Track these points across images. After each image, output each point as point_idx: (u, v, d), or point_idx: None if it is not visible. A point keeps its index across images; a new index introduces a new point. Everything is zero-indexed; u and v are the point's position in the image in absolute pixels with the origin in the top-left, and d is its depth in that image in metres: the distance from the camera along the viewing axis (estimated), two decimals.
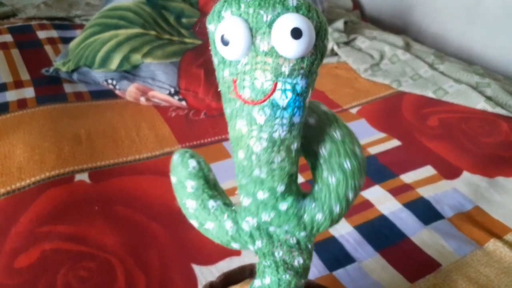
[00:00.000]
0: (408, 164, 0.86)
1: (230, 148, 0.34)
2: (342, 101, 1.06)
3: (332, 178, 0.34)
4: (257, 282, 0.39)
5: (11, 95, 1.01)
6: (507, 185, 0.81)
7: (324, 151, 0.34)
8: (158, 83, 1.00)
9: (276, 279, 0.37)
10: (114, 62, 1.01)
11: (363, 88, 1.12)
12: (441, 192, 0.79)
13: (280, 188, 0.33)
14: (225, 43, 0.29)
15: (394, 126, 0.97)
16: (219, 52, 0.31)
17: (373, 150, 0.89)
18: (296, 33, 0.28)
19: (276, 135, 0.31)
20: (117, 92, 1.04)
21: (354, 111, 1.03)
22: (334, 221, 0.36)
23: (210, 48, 0.33)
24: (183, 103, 1.00)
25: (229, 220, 0.36)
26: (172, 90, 0.99)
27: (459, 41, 1.36)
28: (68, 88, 1.06)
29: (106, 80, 1.03)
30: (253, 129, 0.31)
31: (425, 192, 0.79)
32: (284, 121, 0.31)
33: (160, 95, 1.01)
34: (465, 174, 0.83)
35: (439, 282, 0.63)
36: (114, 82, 1.02)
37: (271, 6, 0.29)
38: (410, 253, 0.68)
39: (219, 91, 0.33)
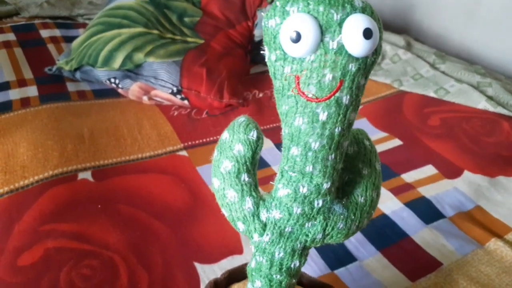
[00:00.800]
0: (409, 163, 0.86)
1: (284, 151, 0.34)
2: None
3: (361, 199, 0.37)
4: (249, 285, 0.39)
5: (14, 94, 1.01)
6: (508, 184, 0.81)
7: (366, 172, 0.37)
8: (160, 82, 1.00)
9: (267, 280, 0.37)
10: (117, 61, 1.02)
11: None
12: (442, 191, 0.79)
13: (327, 185, 0.34)
14: (294, 39, 0.29)
15: (395, 126, 0.97)
16: (282, 48, 0.30)
17: None
18: (368, 33, 0.29)
19: (336, 132, 0.31)
20: (119, 91, 1.05)
21: None
22: (348, 236, 0.37)
23: (262, 44, 0.32)
24: (186, 102, 1.01)
25: (252, 201, 0.35)
26: (175, 89, 1.00)
27: (460, 41, 1.36)
28: (71, 86, 1.07)
29: (109, 79, 1.04)
30: (315, 126, 0.31)
31: (426, 191, 0.79)
32: (345, 118, 0.31)
33: (163, 94, 1.01)
34: (466, 174, 0.84)
35: (440, 281, 0.64)
36: (117, 81, 1.03)
37: (341, 5, 0.29)
38: (411, 252, 0.68)
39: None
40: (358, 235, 0.71)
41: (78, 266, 0.64)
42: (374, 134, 0.95)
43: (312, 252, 0.67)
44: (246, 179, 0.35)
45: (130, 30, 1.05)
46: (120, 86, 1.03)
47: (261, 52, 0.32)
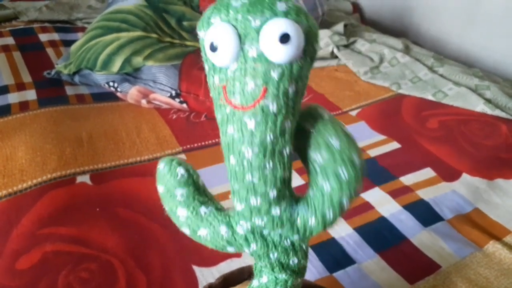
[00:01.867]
0: (407, 166, 0.86)
1: (225, 163, 0.34)
2: (342, 103, 1.07)
3: (326, 185, 0.33)
4: (254, 282, 0.39)
5: (13, 98, 1.01)
6: (507, 187, 0.81)
7: (320, 158, 0.33)
8: (159, 85, 1.00)
9: (273, 277, 0.37)
10: (116, 65, 1.02)
11: (363, 90, 1.12)
12: (441, 194, 0.79)
13: (273, 193, 0.33)
14: (213, 49, 0.30)
15: (394, 129, 0.98)
16: (209, 58, 0.31)
17: (373, 153, 0.90)
18: (284, 38, 0.28)
19: (267, 140, 0.31)
20: (118, 94, 1.05)
21: (354, 113, 1.03)
22: (327, 225, 0.35)
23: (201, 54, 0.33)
24: (184, 105, 1.01)
25: (224, 225, 0.35)
26: (173, 93, 1.00)
27: (458, 44, 1.36)
28: (69, 90, 1.07)
29: (108, 83, 1.04)
30: (244, 135, 0.31)
31: (425, 194, 0.79)
32: (275, 126, 0.30)
33: (161, 98, 1.01)
34: (465, 176, 0.84)
35: (438, 283, 0.64)
36: (116, 85, 1.03)
37: (260, 11, 0.28)
38: (409, 254, 0.68)
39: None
40: (357, 237, 0.71)
41: (76, 270, 0.64)
42: (373, 137, 0.95)
43: (311, 254, 0.67)
44: (206, 211, 0.36)
45: (129, 34, 1.05)
46: (118, 89, 1.03)
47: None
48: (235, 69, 0.30)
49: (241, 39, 0.29)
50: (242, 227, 0.35)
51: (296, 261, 0.37)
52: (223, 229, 0.35)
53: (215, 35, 0.29)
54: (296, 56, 0.29)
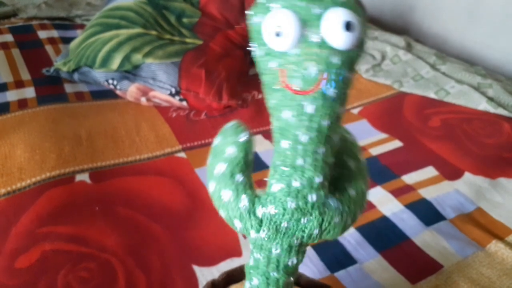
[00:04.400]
0: (409, 165, 0.86)
1: (274, 145, 0.34)
2: None
3: (352, 191, 0.37)
4: (247, 284, 0.39)
5: (11, 95, 1.00)
6: (509, 186, 0.81)
7: (353, 165, 0.37)
8: (159, 83, 1.00)
9: (264, 278, 0.37)
10: (115, 62, 1.01)
11: (364, 88, 1.12)
12: (443, 193, 0.79)
13: (318, 179, 0.34)
14: (277, 34, 0.30)
15: (395, 127, 0.97)
16: (267, 43, 0.31)
17: (374, 151, 0.89)
18: (349, 26, 0.29)
19: (324, 124, 0.32)
20: (117, 92, 1.04)
21: (355, 111, 1.03)
22: (344, 230, 0.37)
23: (250, 40, 0.33)
24: (184, 103, 1.00)
25: (247, 198, 0.36)
26: (173, 90, 0.99)
27: (460, 42, 1.35)
28: (68, 88, 1.06)
29: (107, 80, 1.03)
30: (302, 119, 0.31)
31: (427, 193, 0.79)
32: (332, 110, 0.31)
33: (161, 95, 1.00)
34: (467, 175, 0.83)
35: (440, 283, 0.63)
36: (115, 82, 1.02)
37: (320, 0, 0.30)
38: (411, 254, 0.68)
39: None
40: (358, 237, 0.70)
41: (75, 269, 0.63)
42: (374, 135, 0.94)
43: (312, 254, 0.67)
44: (240, 179, 0.36)
45: (128, 31, 1.04)
46: (118, 87, 1.02)
47: (248, 49, 0.33)
48: (296, 54, 0.30)
49: (303, 25, 0.30)
50: (263, 210, 0.35)
51: (294, 262, 0.37)
52: (244, 201, 0.36)
53: (278, 20, 0.30)
54: (355, 44, 0.31)
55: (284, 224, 0.35)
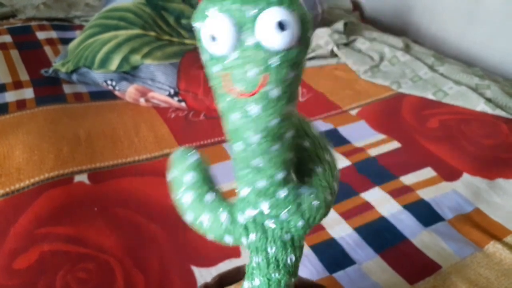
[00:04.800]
0: (408, 165, 0.86)
1: (230, 150, 0.35)
2: (342, 102, 1.06)
3: (319, 168, 0.38)
4: (246, 284, 0.39)
5: (10, 96, 1.00)
6: (507, 187, 0.81)
7: (308, 145, 0.38)
8: (157, 84, 1.00)
9: (266, 279, 0.37)
10: (114, 63, 1.01)
11: (363, 89, 1.12)
12: (441, 194, 0.79)
13: (279, 175, 0.35)
14: (212, 39, 0.30)
15: (394, 128, 0.97)
16: (207, 49, 0.31)
17: (372, 152, 0.89)
18: (281, 26, 0.29)
19: (271, 124, 0.32)
20: (116, 93, 1.04)
21: (354, 112, 1.03)
22: (328, 208, 0.38)
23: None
24: (183, 104, 1.00)
25: (225, 211, 0.36)
26: (172, 91, 0.99)
27: (458, 43, 1.36)
28: (67, 89, 1.06)
29: (106, 81, 1.03)
30: (249, 121, 0.32)
31: (425, 194, 0.79)
32: (277, 110, 0.32)
33: (160, 96, 1.00)
34: (465, 176, 0.83)
35: (439, 284, 0.63)
36: (114, 83, 1.02)
37: (254, 1, 0.29)
38: (410, 255, 0.68)
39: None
40: (357, 237, 0.70)
41: (74, 270, 0.63)
42: (372, 136, 0.94)
43: (310, 255, 0.67)
44: (210, 198, 0.37)
45: (127, 32, 1.04)
46: (117, 88, 1.02)
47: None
48: (235, 58, 0.30)
49: (238, 28, 0.30)
50: (243, 216, 0.36)
51: (293, 258, 0.38)
52: (224, 216, 0.36)
53: (213, 25, 0.30)
54: (292, 43, 0.30)
55: (268, 223, 0.36)
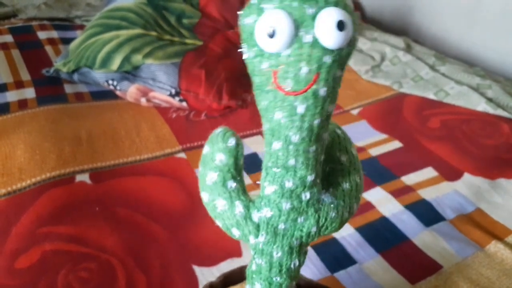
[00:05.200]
0: (409, 165, 0.86)
1: (266, 147, 0.34)
2: (343, 102, 1.06)
3: (346, 185, 0.37)
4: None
5: (11, 96, 1.00)
6: (509, 186, 0.81)
7: (344, 159, 0.38)
8: (158, 84, 1.00)
9: (267, 283, 0.37)
10: (115, 63, 1.01)
11: (364, 89, 1.12)
12: (442, 194, 0.79)
13: (311, 177, 0.34)
14: (270, 35, 0.30)
15: (395, 128, 0.97)
16: (259, 44, 0.31)
17: (374, 152, 0.89)
18: (341, 25, 0.30)
19: (315, 124, 0.32)
20: (117, 92, 1.04)
21: (355, 112, 1.03)
22: (341, 225, 0.38)
23: (240, 42, 0.33)
24: (184, 104, 1.00)
25: (242, 204, 0.36)
26: (173, 91, 0.99)
27: (459, 43, 1.36)
28: (68, 88, 1.06)
29: (107, 81, 1.03)
30: (294, 119, 0.32)
31: (426, 193, 0.79)
32: (323, 109, 0.32)
33: (161, 96, 1.00)
34: (466, 176, 0.83)
35: (440, 284, 0.63)
36: (115, 83, 1.02)
37: (314, 0, 0.30)
38: (411, 255, 0.68)
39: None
40: (358, 237, 0.70)
41: (75, 269, 0.63)
42: (374, 136, 0.94)
43: (312, 255, 0.67)
44: (233, 186, 0.36)
45: (128, 32, 1.04)
46: (118, 88, 1.03)
47: (239, 50, 0.33)
48: (288, 55, 0.30)
49: (296, 25, 0.30)
50: (259, 214, 0.36)
51: (297, 264, 0.37)
52: (239, 208, 0.36)
53: (271, 20, 0.30)
54: (347, 43, 0.31)
55: (281, 226, 0.36)
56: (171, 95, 1.00)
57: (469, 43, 1.33)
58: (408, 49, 1.26)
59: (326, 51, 0.30)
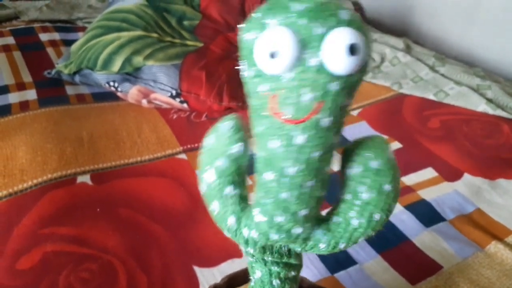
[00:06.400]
0: (409, 166, 0.86)
1: (256, 176, 0.32)
2: None
3: (355, 221, 0.32)
4: (251, 281, 0.39)
5: (13, 97, 1.01)
6: (508, 187, 0.81)
7: (353, 179, 0.32)
8: (159, 85, 1.00)
9: (267, 270, 0.37)
10: (116, 65, 1.02)
11: (364, 90, 1.12)
12: (442, 194, 0.79)
13: (303, 212, 0.31)
14: (271, 55, 0.27)
15: (395, 128, 0.97)
16: (258, 64, 0.28)
17: None
18: (353, 49, 0.26)
19: (314, 156, 0.29)
20: (119, 94, 1.05)
21: (355, 113, 1.03)
22: (334, 251, 0.35)
23: (239, 57, 0.30)
24: (185, 105, 1.01)
25: (234, 217, 0.34)
26: (174, 92, 1.00)
27: (459, 43, 1.36)
28: (70, 90, 1.07)
29: (108, 82, 1.03)
30: (291, 150, 0.28)
31: (427, 194, 0.79)
32: (324, 141, 0.28)
33: (162, 97, 1.01)
34: (466, 176, 0.83)
35: (440, 284, 0.63)
36: (116, 84, 1.03)
37: (325, 18, 0.26)
38: (411, 255, 0.68)
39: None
40: None
41: (77, 270, 0.64)
42: None
43: (312, 255, 0.67)
44: (230, 193, 0.33)
45: (129, 34, 1.05)
46: (119, 89, 1.03)
47: (236, 68, 0.30)
48: (291, 78, 0.27)
49: (301, 46, 0.26)
50: (248, 231, 0.34)
51: (291, 260, 0.38)
52: (231, 220, 0.34)
53: (274, 39, 0.26)
54: (358, 68, 0.27)
55: (269, 246, 0.35)
56: (172, 96, 1.00)
57: (469, 44, 1.33)
58: (407, 50, 1.26)
59: (333, 77, 0.27)
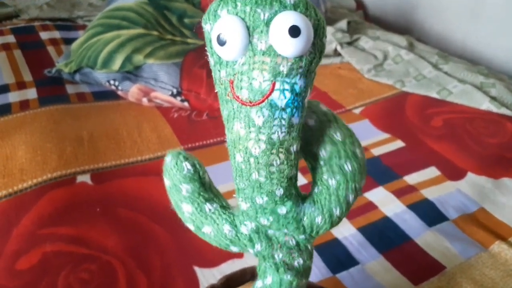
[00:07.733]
0: (412, 165, 0.85)
1: (231, 161, 0.33)
2: (346, 101, 1.06)
3: (332, 180, 0.34)
4: (258, 283, 0.39)
5: (13, 96, 1.00)
6: None
7: (324, 152, 0.34)
8: (160, 83, 1.00)
9: (278, 278, 0.37)
10: (117, 63, 1.01)
11: (366, 88, 1.11)
12: (446, 193, 0.78)
13: (279, 191, 0.32)
14: (221, 42, 0.29)
15: (397, 127, 0.97)
16: (215, 52, 0.30)
17: (376, 151, 0.89)
18: (295, 31, 0.28)
19: (275, 136, 0.30)
20: (119, 93, 1.04)
21: (357, 111, 1.02)
22: (334, 223, 0.36)
23: (206, 49, 0.32)
24: (186, 104, 1.00)
25: (227, 223, 0.35)
26: (175, 91, 0.99)
27: (463, 41, 1.35)
28: (70, 89, 1.06)
29: (109, 81, 1.03)
30: (251, 131, 0.30)
31: (429, 193, 0.78)
32: (283, 122, 0.30)
33: (163, 96, 1.00)
34: (470, 175, 0.83)
35: (443, 284, 0.63)
36: (117, 83, 1.02)
37: (269, 4, 0.28)
38: (414, 255, 0.67)
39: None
40: (360, 238, 0.70)
41: (76, 270, 0.63)
42: (376, 135, 0.94)
43: (314, 255, 0.66)
44: (211, 208, 0.35)
45: (129, 32, 1.04)
46: (119, 88, 1.02)
47: (205, 58, 0.32)
48: (242, 63, 0.29)
49: (249, 32, 0.28)
50: (246, 227, 0.35)
51: (301, 261, 0.37)
52: (227, 228, 0.35)
53: (223, 27, 0.28)
54: (305, 50, 0.29)
55: (271, 232, 0.35)
56: (172, 95, 0.99)
57: (473, 42, 1.32)
58: (410, 47, 1.25)
59: (282, 59, 0.29)
